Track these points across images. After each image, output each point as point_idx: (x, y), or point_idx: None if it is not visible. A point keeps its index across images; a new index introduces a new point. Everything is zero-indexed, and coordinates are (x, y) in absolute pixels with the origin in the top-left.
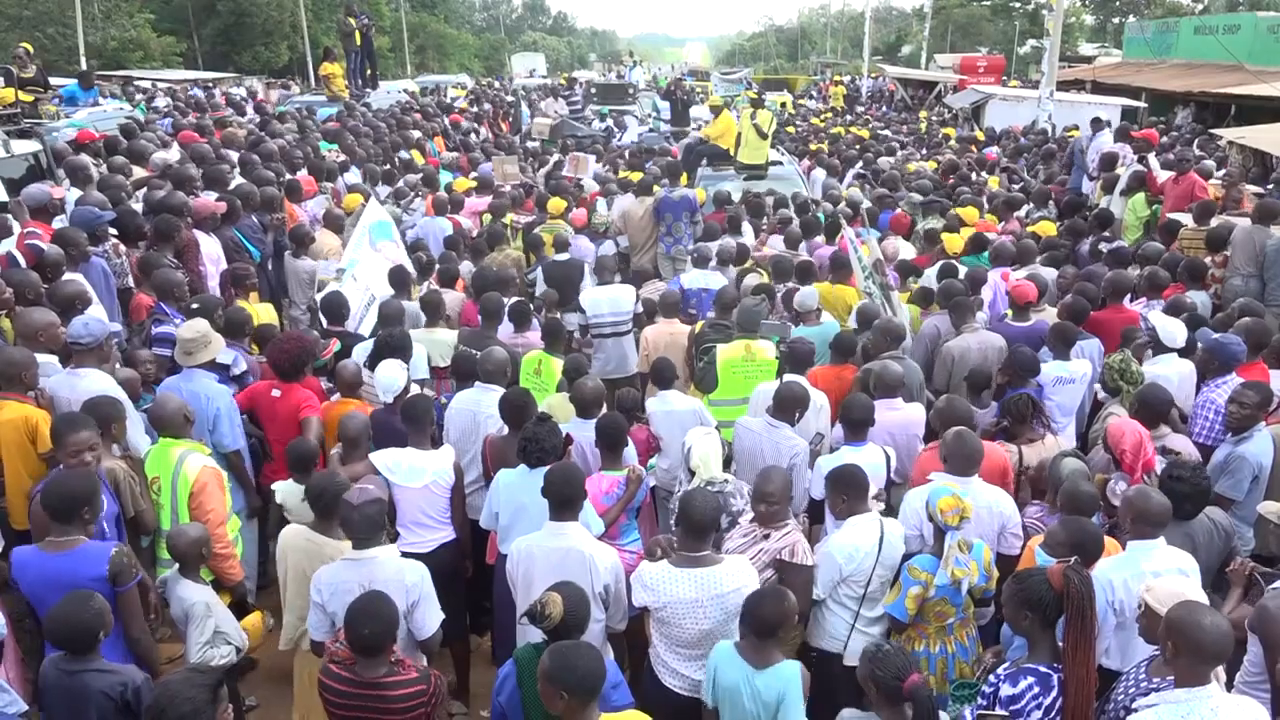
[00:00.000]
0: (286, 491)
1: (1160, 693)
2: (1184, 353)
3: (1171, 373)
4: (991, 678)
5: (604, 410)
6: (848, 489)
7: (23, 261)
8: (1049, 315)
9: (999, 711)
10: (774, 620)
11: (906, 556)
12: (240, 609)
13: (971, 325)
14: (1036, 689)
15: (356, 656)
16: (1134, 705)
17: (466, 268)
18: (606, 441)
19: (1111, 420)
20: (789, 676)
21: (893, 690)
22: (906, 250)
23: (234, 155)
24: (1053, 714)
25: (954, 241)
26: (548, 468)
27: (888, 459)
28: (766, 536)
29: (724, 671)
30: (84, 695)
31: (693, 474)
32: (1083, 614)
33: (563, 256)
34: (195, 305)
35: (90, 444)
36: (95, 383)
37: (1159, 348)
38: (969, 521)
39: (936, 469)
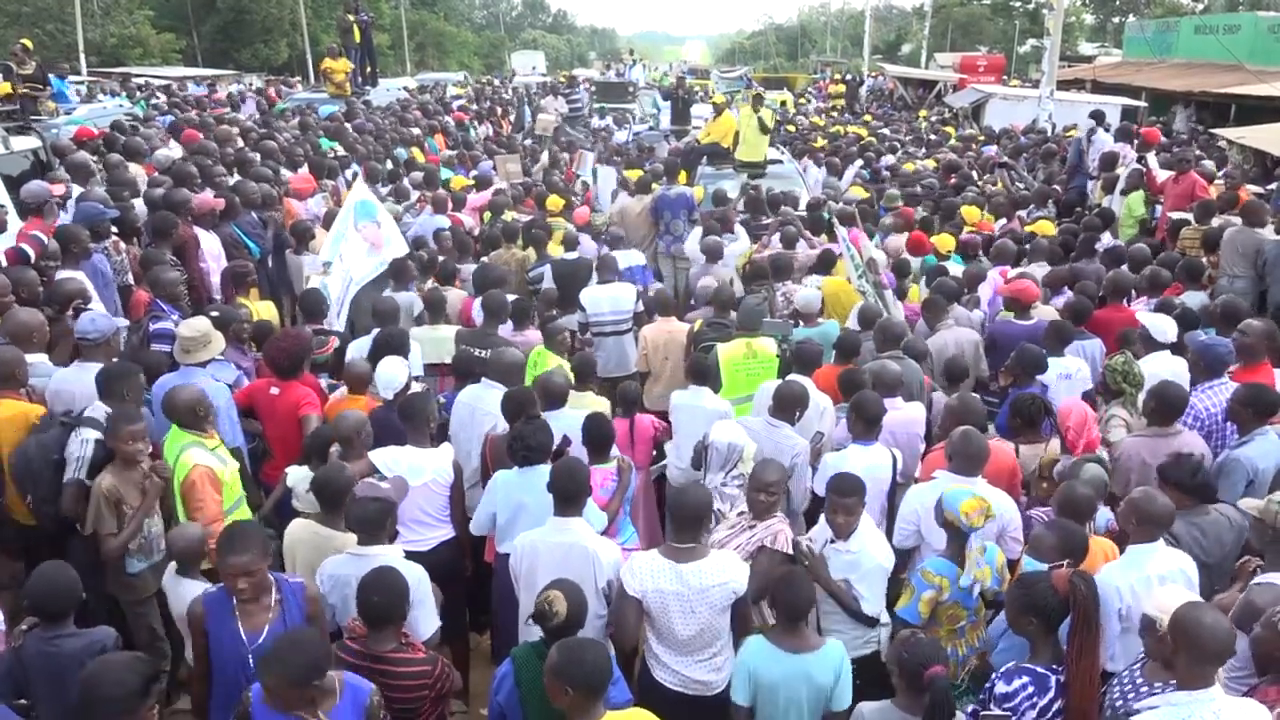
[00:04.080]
0: (299, 476)
1: (1161, 695)
2: (1179, 351)
3: (1165, 370)
4: (993, 676)
5: (597, 410)
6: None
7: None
8: (1050, 314)
9: (996, 711)
10: (805, 603)
11: (903, 558)
12: None
13: (946, 322)
14: (1031, 689)
15: (367, 629)
16: (1134, 707)
17: (466, 267)
18: (594, 442)
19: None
20: (840, 656)
21: (915, 675)
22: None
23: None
24: (1049, 715)
25: (946, 241)
26: (553, 464)
27: (894, 460)
28: (751, 527)
29: (765, 669)
30: (61, 660)
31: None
32: (1088, 619)
33: (571, 255)
34: (215, 314)
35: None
36: None
37: (1150, 346)
38: (994, 520)
39: (943, 467)
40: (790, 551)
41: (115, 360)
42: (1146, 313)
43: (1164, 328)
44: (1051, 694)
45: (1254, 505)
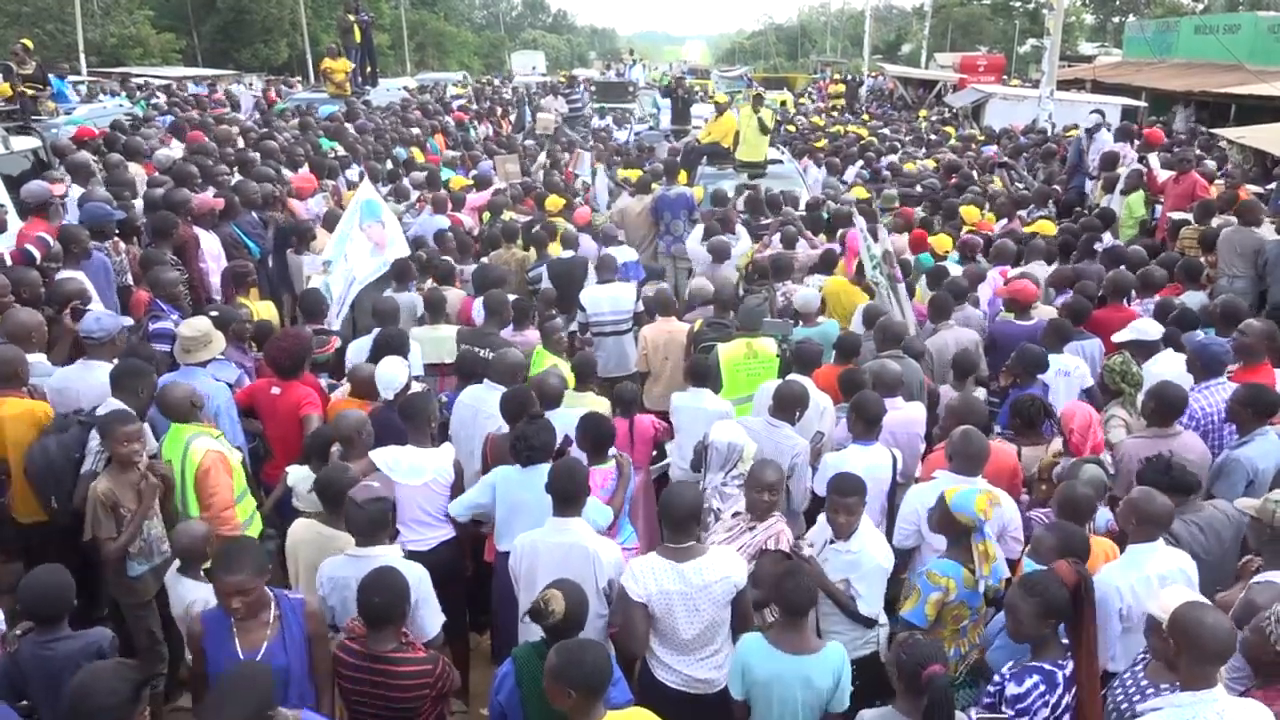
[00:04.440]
0: (299, 476)
1: (1165, 696)
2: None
3: (1173, 371)
4: (996, 677)
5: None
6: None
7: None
8: (1051, 314)
9: (1005, 713)
10: (805, 599)
11: (902, 559)
12: None
13: (947, 323)
14: (1043, 687)
15: (367, 629)
16: (1137, 709)
17: (466, 267)
18: (591, 443)
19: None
20: (841, 659)
21: (914, 677)
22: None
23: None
24: (1059, 711)
25: (943, 242)
26: (551, 464)
27: (894, 460)
28: (751, 528)
29: (758, 666)
30: (57, 663)
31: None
32: (1091, 610)
33: (567, 253)
34: (215, 314)
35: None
36: (105, 376)
37: (1146, 350)
38: (1000, 506)
39: (944, 467)
40: (787, 550)
41: (129, 359)
42: (1122, 333)
43: (1144, 327)
44: (1060, 689)
45: (1251, 505)
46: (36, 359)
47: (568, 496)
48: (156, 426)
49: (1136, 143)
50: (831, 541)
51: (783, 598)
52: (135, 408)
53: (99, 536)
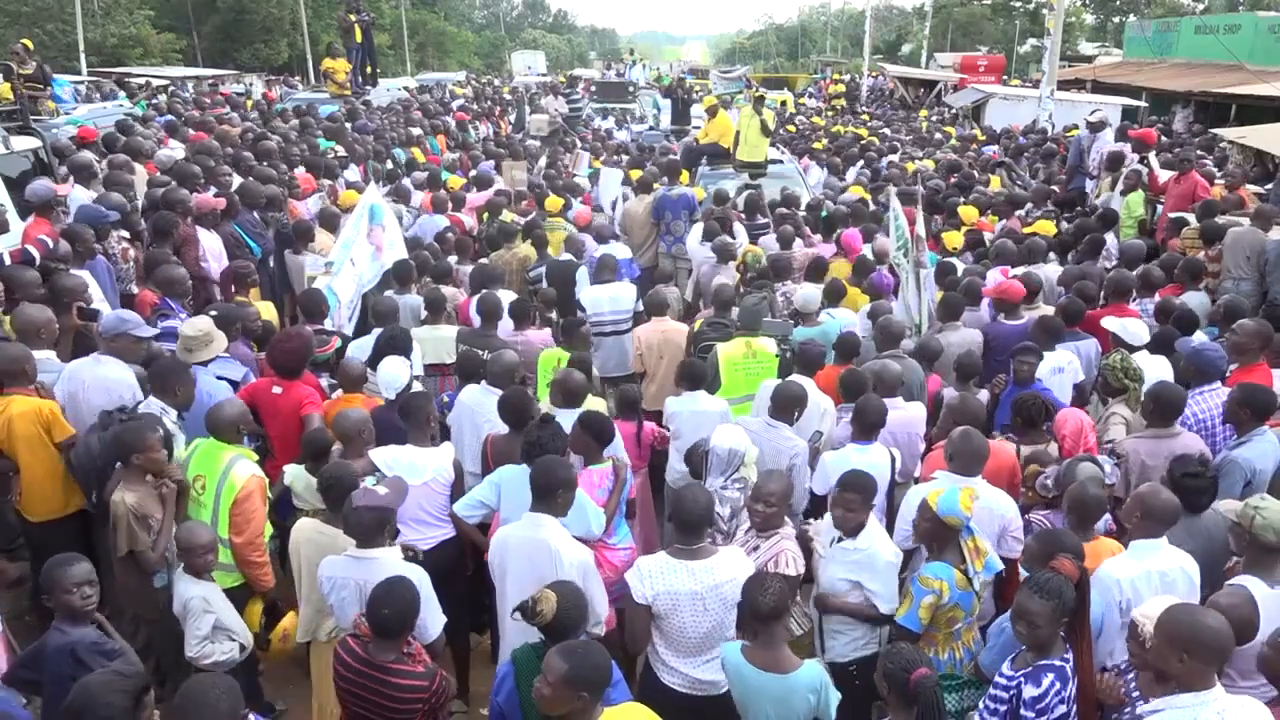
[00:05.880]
0: (295, 475)
1: (1166, 698)
2: (1161, 352)
3: (1151, 377)
4: (1003, 681)
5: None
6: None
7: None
8: (1046, 312)
9: (1025, 715)
10: (768, 608)
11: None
12: (271, 614)
13: (954, 324)
14: (1058, 685)
15: (373, 636)
16: (1138, 712)
17: (465, 268)
18: (594, 436)
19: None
20: (817, 678)
21: (902, 684)
22: None
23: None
24: (1069, 703)
25: (953, 238)
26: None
27: (893, 460)
28: (755, 549)
29: (735, 679)
30: (47, 653)
31: (731, 472)
32: (1085, 601)
33: (564, 256)
34: (215, 314)
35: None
36: (114, 371)
37: (1128, 349)
38: (977, 499)
39: (944, 468)
40: (792, 573)
41: (163, 358)
42: (1111, 320)
43: (1135, 330)
44: (1070, 682)
45: (1232, 508)
46: (45, 355)
47: (544, 491)
48: (189, 433)
49: (1129, 144)
50: (839, 540)
51: (748, 606)
52: (174, 406)
53: (137, 548)
